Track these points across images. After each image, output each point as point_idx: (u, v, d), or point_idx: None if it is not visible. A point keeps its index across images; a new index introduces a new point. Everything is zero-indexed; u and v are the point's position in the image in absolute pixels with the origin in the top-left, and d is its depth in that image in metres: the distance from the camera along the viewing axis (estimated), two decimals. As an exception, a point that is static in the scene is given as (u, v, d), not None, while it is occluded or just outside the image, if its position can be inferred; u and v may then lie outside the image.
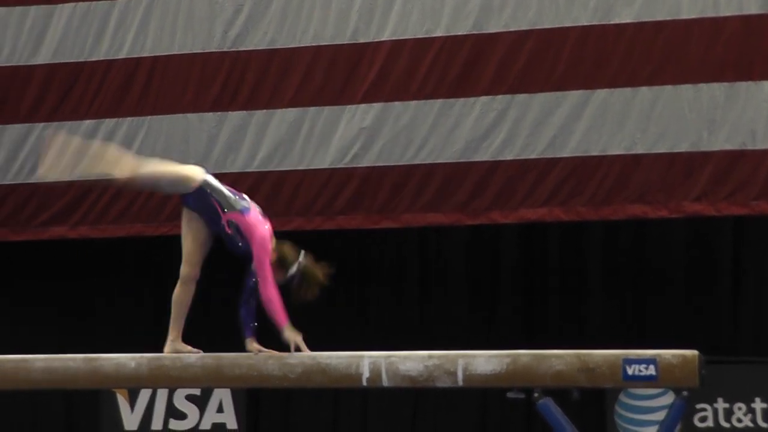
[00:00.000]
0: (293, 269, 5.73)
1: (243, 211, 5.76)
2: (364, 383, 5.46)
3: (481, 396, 8.96)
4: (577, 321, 9.07)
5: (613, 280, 9.09)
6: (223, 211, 5.75)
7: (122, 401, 9.29)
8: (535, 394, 5.33)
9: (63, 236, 9.31)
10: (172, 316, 5.81)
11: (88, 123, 9.29)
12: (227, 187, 5.86)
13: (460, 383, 5.35)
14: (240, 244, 5.74)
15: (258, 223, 5.75)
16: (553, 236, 9.17)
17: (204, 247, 5.85)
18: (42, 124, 9.41)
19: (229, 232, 5.74)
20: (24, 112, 9.46)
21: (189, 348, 5.81)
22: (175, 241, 9.31)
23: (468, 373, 5.33)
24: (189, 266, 5.83)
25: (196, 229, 5.83)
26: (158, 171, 5.96)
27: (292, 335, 5.62)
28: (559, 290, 9.11)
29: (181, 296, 5.82)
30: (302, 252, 5.78)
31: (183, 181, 5.82)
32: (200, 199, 5.78)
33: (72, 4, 9.39)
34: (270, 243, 5.74)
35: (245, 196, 5.88)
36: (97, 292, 9.80)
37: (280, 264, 5.73)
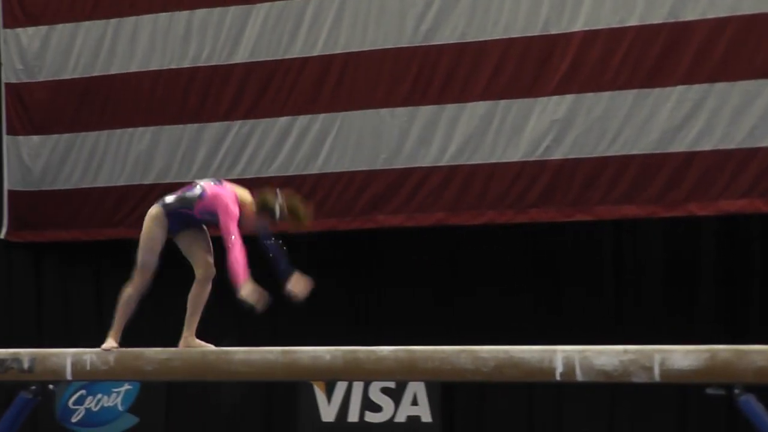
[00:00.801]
0: (278, 211, 6.01)
1: (201, 196, 6.11)
2: (558, 378, 5.39)
3: (680, 392, 8.76)
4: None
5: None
6: (191, 209, 6.11)
7: (319, 394, 9.45)
8: (736, 391, 5.17)
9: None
10: (189, 313, 6.14)
11: (282, 120, 9.48)
12: (177, 192, 6.23)
13: (657, 379, 5.23)
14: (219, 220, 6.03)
15: (217, 194, 6.10)
16: (754, 228, 8.88)
17: (208, 247, 6.19)
18: (239, 122, 9.65)
19: (207, 218, 6.10)
20: (223, 110, 9.70)
21: (202, 343, 6.14)
22: (370, 234, 9.48)
23: (665, 368, 5.20)
24: (202, 268, 6.15)
25: (192, 238, 6.18)
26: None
27: (247, 291, 5.78)
28: (761, 284, 8.82)
29: (198, 295, 6.15)
30: (278, 190, 6.07)
31: (154, 237, 6.16)
32: (174, 220, 6.14)
33: (269, 4, 9.58)
34: (233, 205, 6.04)
35: (195, 182, 6.25)
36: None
37: (263, 209, 6.06)
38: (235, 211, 6.03)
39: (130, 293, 6.20)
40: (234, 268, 5.84)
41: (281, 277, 6.00)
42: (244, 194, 6.20)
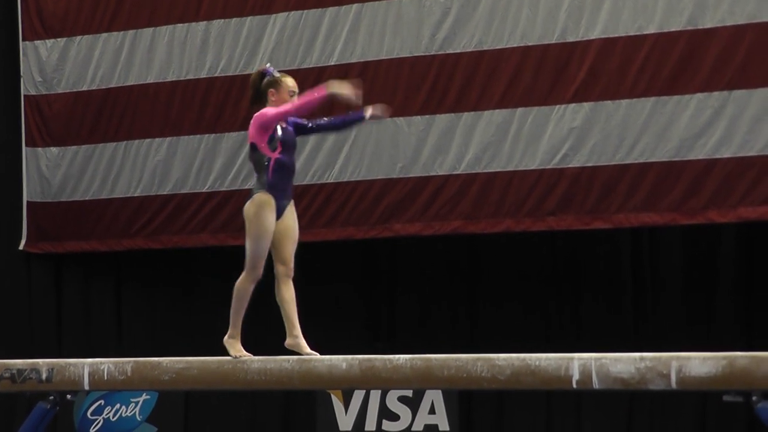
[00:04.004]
0: (267, 79, 6.07)
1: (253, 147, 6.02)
2: (574, 385, 5.36)
3: (699, 399, 8.71)
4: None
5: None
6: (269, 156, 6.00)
7: (337, 402, 9.44)
8: (754, 398, 5.13)
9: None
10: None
11: (300, 129, 9.46)
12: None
13: (674, 386, 5.19)
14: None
15: (250, 126, 6.01)
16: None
17: (287, 253, 6.07)
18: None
19: (281, 137, 6.02)
20: (240, 120, 9.71)
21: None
22: (387, 243, 9.47)
23: (682, 376, 5.17)
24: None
25: (283, 233, 6.06)
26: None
27: (334, 86, 5.88)
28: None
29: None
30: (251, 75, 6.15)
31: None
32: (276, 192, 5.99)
33: (285, 14, 9.59)
34: (262, 118, 5.96)
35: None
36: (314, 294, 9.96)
37: (259, 92, 6.07)
38: (270, 111, 5.99)
39: (245, 287, 6.03)
40: (305, 100, 5.90)
41: (357, 118, 6.22)
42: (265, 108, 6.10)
